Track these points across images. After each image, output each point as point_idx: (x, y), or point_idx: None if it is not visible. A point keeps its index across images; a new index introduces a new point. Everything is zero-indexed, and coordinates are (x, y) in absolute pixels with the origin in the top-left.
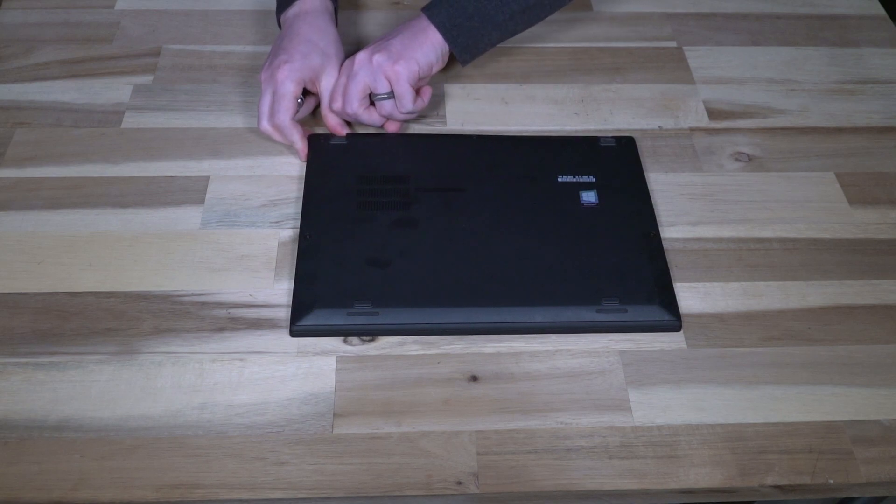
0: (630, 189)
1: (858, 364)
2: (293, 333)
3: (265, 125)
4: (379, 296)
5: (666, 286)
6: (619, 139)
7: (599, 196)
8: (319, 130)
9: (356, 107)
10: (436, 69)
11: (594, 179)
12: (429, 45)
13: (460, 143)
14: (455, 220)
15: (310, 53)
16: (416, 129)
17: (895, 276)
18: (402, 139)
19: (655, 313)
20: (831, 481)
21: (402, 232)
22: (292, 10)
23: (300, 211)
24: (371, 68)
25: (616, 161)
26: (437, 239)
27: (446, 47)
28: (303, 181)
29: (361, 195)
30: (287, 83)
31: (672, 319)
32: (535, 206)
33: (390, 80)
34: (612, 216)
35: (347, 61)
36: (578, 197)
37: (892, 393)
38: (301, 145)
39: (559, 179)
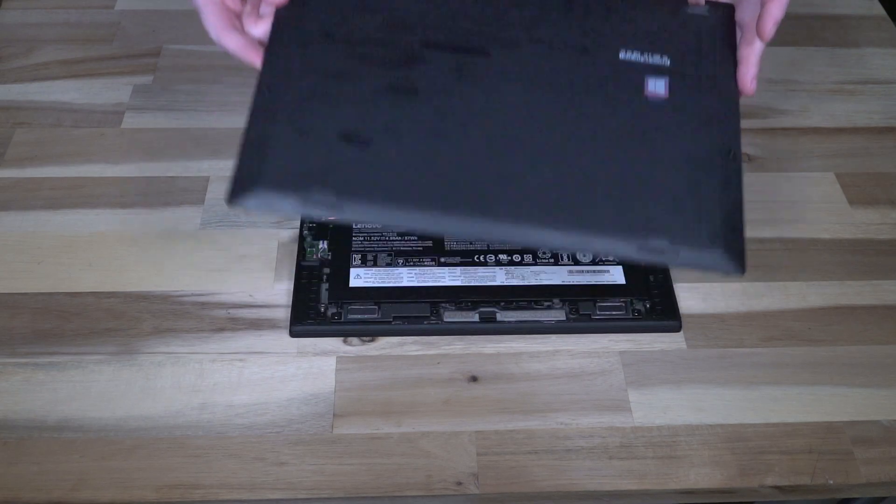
0: (715, 84)
1: (858, 364)
2: (293, 334)
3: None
4: (346, 183)
5: (735, 227)
6: (714, 5)
7: (672, 87)
8: None
9: None
10: None
11: (668, 63)
12: None
13: None
14: (470, 94)
15: None
16: None
17: (895, 276)
18: None
19: (716, 259)
20: (831, 482)
21: (395, 100)
22: None
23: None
24: None
25: (703, 40)
26: (442, 117)
27: None
28: None
29: (348, 42)
30: None
31: (672, 322)
32: (581, 90)
33: None
34: (683, 118)
35: None
36: (643, 84)
37: (892, 393)
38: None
39: (621, 56)
